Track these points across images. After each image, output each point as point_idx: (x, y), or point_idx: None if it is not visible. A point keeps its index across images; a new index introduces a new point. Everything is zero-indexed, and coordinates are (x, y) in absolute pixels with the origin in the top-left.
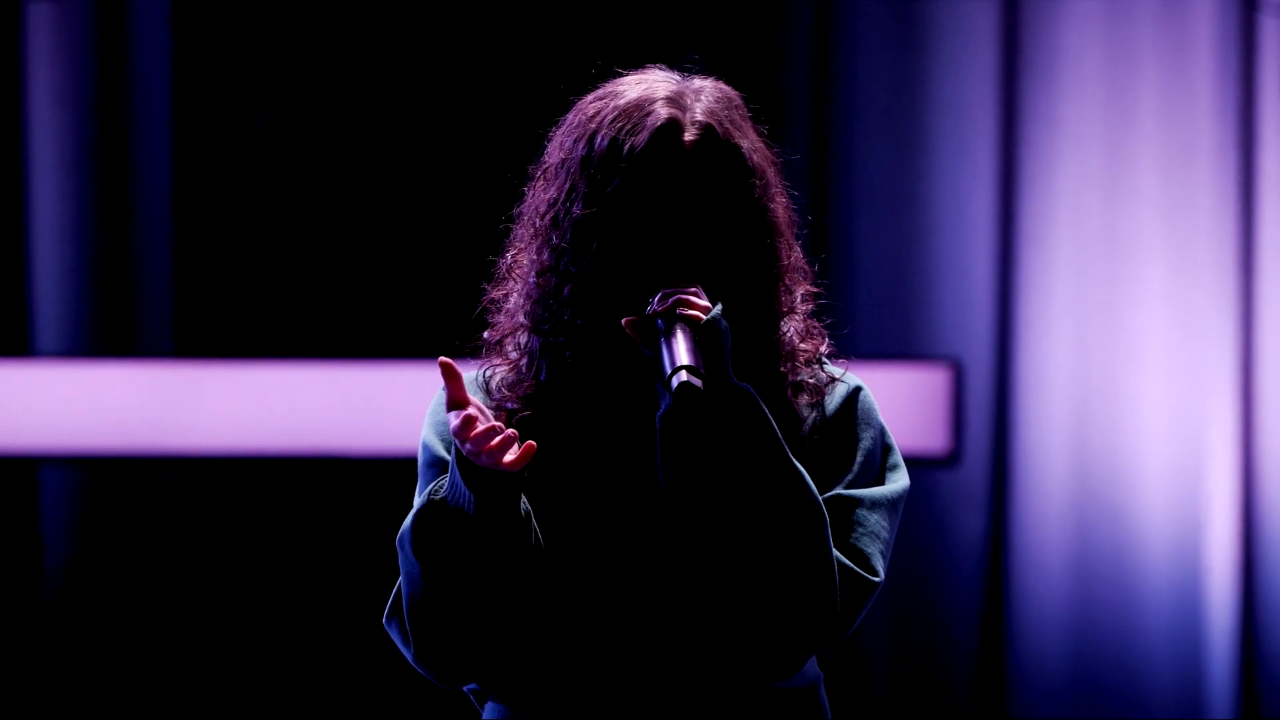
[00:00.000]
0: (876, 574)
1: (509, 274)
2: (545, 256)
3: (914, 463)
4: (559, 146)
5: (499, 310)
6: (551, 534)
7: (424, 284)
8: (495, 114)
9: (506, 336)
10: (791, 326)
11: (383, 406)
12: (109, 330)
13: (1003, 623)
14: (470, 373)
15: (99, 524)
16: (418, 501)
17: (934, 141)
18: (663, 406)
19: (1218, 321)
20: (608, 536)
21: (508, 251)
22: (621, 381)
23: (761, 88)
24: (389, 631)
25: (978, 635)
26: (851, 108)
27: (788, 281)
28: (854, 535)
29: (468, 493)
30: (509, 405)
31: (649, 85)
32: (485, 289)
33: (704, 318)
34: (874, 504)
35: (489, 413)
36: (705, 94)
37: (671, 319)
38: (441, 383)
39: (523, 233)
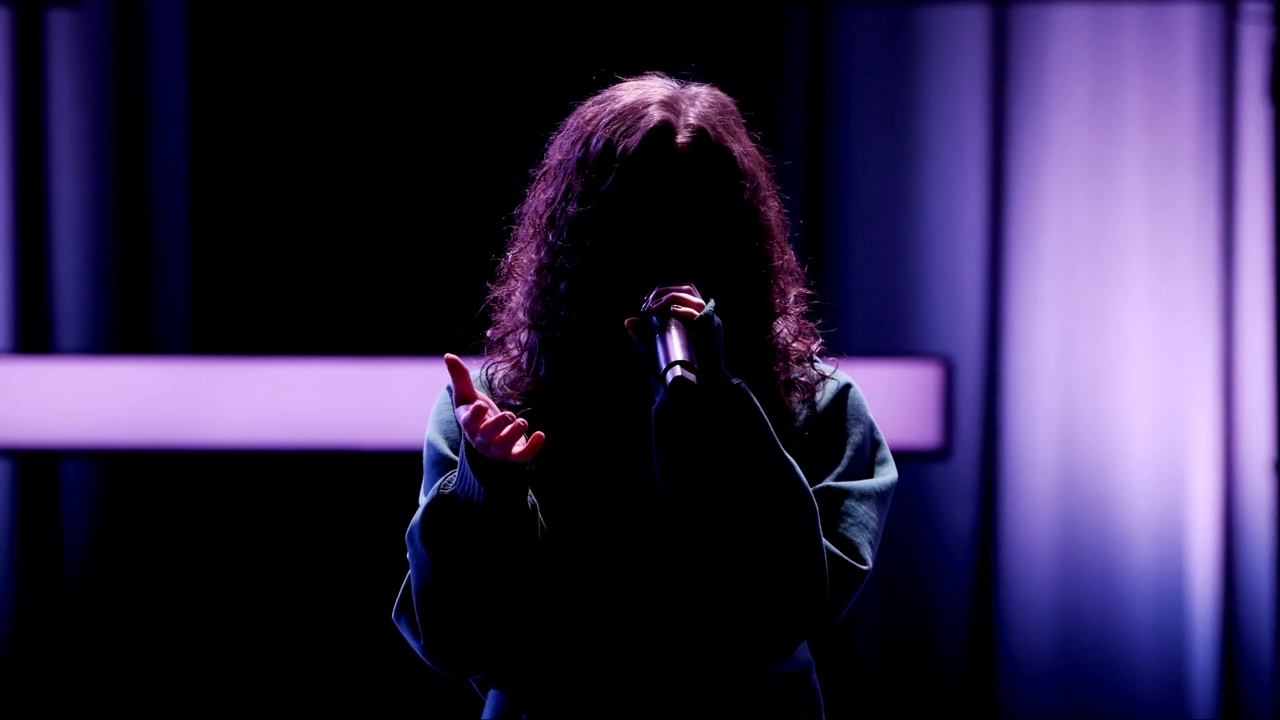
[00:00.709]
0: (865, 563)
1: (510, 273)
2: (543, 255)
3: (905, 457)
4: (558, 149)
5: (501, 309)
6: (552, 526)
7: (431, 284)
8: (498, 119)
9: (508, 334)
10: (784, 326)
11: (392, 402)
12: (127, 328)
13: (991, 612)
14: (474, 370)
15: (117, 515)
16: (427, 496)
17: (925, 146)
18: (657, 401)
19: (1200, 320)
20: (605, 528)
21: (509, 251)
22: (618, 377)
23: (758, 95)
24: (398, 626)
25: (967, 624)
26: (845, 114)
27: (780, 282)
28: (843, 525)
29: (477, 484)
30: (511, 402)
31: (645, 90)
32: (489, 288)
33: (697, 314)
34: (863, 496)
35: (495, 406)
36: (700, 99)
37: (665, 315)
38: (445, 382)
39: (523, 232)
